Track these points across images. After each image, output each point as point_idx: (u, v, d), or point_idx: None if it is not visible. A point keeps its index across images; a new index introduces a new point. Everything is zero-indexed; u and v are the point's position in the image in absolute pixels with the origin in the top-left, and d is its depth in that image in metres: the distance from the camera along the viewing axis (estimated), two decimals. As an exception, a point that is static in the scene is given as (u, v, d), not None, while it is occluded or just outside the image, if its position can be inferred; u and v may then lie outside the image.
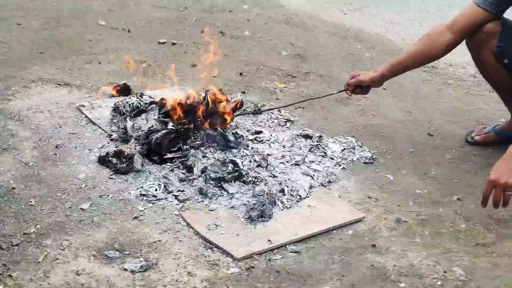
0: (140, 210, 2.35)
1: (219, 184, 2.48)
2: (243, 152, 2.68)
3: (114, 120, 2.90)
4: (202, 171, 2.52)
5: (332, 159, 2.81)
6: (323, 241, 2.28)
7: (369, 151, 2.94)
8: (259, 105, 3.26)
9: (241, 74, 3.80)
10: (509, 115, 3.12)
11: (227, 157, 2.60)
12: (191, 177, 2.51)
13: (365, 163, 2.86)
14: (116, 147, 2.71)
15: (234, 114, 2.90)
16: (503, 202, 2.20)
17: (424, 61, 3.00)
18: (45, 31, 4.09)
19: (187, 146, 2.66)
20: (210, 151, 2.65)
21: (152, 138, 2.61)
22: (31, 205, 2.31)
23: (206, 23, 4.65)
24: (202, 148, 2.66)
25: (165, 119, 2.76)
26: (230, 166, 2.54)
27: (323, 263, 2.14)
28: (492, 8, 2.84)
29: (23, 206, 2.30)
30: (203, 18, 4.78)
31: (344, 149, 2.91)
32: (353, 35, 4.85)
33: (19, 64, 3.51)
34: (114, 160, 2.59)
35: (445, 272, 2.14)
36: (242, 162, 2.59)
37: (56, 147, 2.71)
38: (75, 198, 2.39)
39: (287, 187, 2.50)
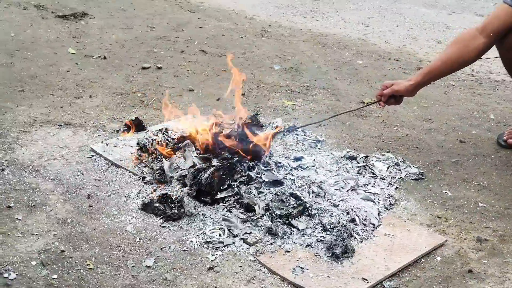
0: (212, 260, 2.12)
1: (287, 222, 2.27)
2: (297, 182, 2.47)
3: (144, 161, 2.62)
4: (266, 209, 2.29)
5: (383, 179, 2.65)
6: (416, 272, 2.12)
7: (415, 167, 2.78)
8: (283, 125, 3.05)
9: (243, 94, 3.58)
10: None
11: (285, 191, 2.39)
12: (254, 217, 2.30)
13: (415, 179, 2.72)
14: (154, 191, 2.44)
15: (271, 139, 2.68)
16: None
17: (457, 67, 2.90)
18: (15, 65, 3.76)
19: (236, 183, 2.43)
20: (263, 186, 2.43)
21: (201, 178, 2.37)
22: (90, 268, 2.05)
23: (181, 41, 4.42)
24: (253, 184, 2.43)
25: (206, 155, 2.51)
26: (292, 200, 2.34)
27: (429, 298, 1.97)
28: None
29: (81, 271, 2.03)
30: (176, 37, 4.55)
31: (389, 166, 2.75)
32: (335, 42, 4.75)
33: (1, 105, 3.16)
34: (161, 206, 2.33)
35: (554, 291, 2.01)
36: (301, 194, 2.37)
37: (88, 197, 2.44)
38: (134, 254, 2.13)
39: (357, 216, 2.31)
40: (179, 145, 2.60)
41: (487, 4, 6.21)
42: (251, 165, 2.55)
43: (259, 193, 2.40)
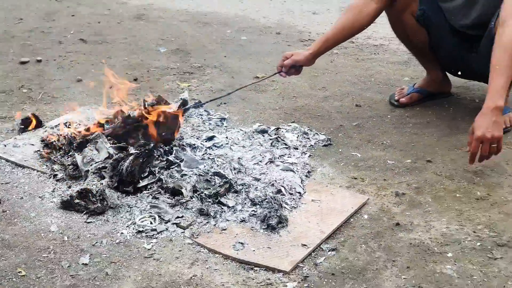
0: (148, 249, 2.08)
1: (216, 201, 2.27)
2: (217, 161, 2.48)
3: (53, 157, 2.51)
4: (194, 191, 2.28)
5: (296, 149, 2.71)
6: (348, 232, 2.21)
7: (321, 134, 2.88)
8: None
9: (135, 79, 3.52)
10: (412, 74, 3.27)
11: (208, 171, 2.39)
12: (183, 200, 2.27)
13: (325, 145, 2.81)
14: (69, 188, 2.35)
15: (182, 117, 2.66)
16: (487, 155, 2.37)
17: (352, 32, 3.02)
18: None
19: (157, 168, 2.40)
20: (183, 169, 2.41)
21: (122, 168, 2.31)
22: (23, 275, 1.94)
23: (55, 32, 4.24)
24: (173, 168, 2.41)
25: (120, 145, 2.45)
26: (217, 179, 2.35)
27: (366, 253, 2.07)
28: None
29: (14, 279, 1.93)
30: (49, 27, 4.36)
31: (298, 136, 2.82)
32: (215, 20, 4.78)
33: None
34: (82, 202, 2.25)
35: (474, 232, 2.17)
36: (224, 172, 2.39)
37: (3, 212, 2.28)
38: (66, 254, 2.05)
39: (283, 187, 2.36)
40: (89, 137, 2.50)
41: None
42: (167, 149, 2.51)
43: (182, 176, 2.37)
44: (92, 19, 4.66)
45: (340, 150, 2.79)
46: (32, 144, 2.68)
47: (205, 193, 2.28)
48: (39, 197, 2.35)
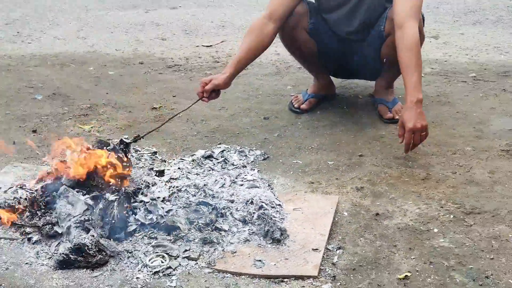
0: (174, 286, 2.11)
1: (214, 227, 2.35)
2: (189, 191, 2.54)
3: (18, 221, 2.39)
4: (191, 223, 2.34)
5: (245, 166, 2.86)
6: (340, 230, 2.40)
7: (256, 150, 3.04)
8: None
9: (34, 131, 3.38)
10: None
11: (191, 201, 2.45)
12: (182, 234, 2.32)
13: (264, 159, 2.98)
14: (56, 246, 2.28)
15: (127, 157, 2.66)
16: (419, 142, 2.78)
17: (258, 52, 3.22)
18: None
19: (136, 210, 2.41)
20: (164, 205, 2.45)
21: (112, 217, 2.29)
22: None
23: None
24: (155, 203, 2.44)
25: (94, 194, 2.41)
26: (202, 208, 2.42)
27: (368, 245, 2.29)
28: None
29: None
30: None
31: (236, 155, 2.97)
32: (69, 60, 4.71)
33: None
34: (80, 258, 2.20)
35: (442, 207, 2.51)
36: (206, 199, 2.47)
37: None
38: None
39: (263, 202, 2.50)
40: (57, 192, 2.41)
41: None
42: (133, 190, 2.51)
43: (168, 211, 2.40)
44: None
45: (281, 160, 2.97)
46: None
47: (201, 223, 2.33)
48: (26, 263, 2.23)
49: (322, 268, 2.17)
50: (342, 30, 3.38)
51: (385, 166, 2.87)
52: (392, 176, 2.77)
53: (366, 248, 2.27)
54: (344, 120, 3.40)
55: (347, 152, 3.02)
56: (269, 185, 2.71)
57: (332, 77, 3.70)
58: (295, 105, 3.57)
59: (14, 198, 2.47)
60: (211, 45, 4.98)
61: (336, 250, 2.27)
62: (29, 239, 2.34)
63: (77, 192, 2.43)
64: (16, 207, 2.42)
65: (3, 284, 2.12)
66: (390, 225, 2.41)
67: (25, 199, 2.44)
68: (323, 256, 2.23)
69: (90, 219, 2.32)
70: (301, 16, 3.30)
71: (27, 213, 2.42)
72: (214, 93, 3.12)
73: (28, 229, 2.37)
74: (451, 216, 2.43)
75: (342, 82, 3.90)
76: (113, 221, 2.29)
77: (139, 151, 3.06)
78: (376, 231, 2.37)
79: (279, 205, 2.52)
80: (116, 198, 2.35)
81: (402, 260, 2.19)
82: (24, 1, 6.46)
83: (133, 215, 2.37)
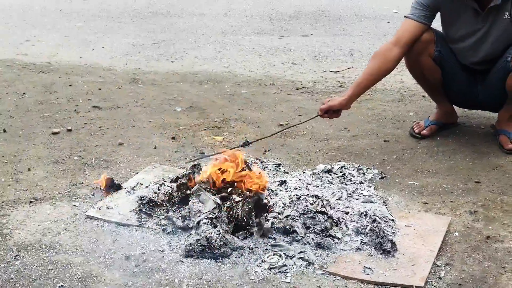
0: (288, 282, 2.30)
1: (328, 234, 2.52)
2: (308, 200, 2.73)
3: (155, 214, 2.69)
4: (307, 228, 2.53)
5: (362, 183, 3.01)
6: (450, 248, 2.50)
7: (374, 169, 3.19)
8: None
9: (173, 138, 3.72)
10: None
11: (309, 209, 2.64)
12: (298, 237, 2.51)
13: (381, 178, 3.12)
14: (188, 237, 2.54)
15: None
16: None
17: (379, 77, 3.38)
18: None
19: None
20: (283, 210, 2.66)
21: (238, 214, 2.53)
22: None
23: (64, 102, 4.40)
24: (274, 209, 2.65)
25: (223, 195, 2.67)
26: (319, 216, 2.60)
27: (476, 264, 2.39)
28: (427, 20, 3.35)
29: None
30: (56, 98, 4.50)
31: (355, 172, 3.13)
32: (207, 77, 5.05)
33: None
34: (206, 249, 2.45)
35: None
36: (323, 208, 2.65)
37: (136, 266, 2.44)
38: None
39: (377, 216, 2.64)
40: (190, 191, 2.70)
41: (301, 26, 6.92)
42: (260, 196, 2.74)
43: (287, 216, 2.61)
44: (90, 87, 4.79)
45: (397, 180, 3.11)
46: (125, 204, 2.81)
47: (316, 229, 2.52)
48: (160, 250, 2.51)
49: (429, 280, 2.29)
50: (467, 60, 3.48)
51: (501, 193, 2.93)
52: (507, 203, 2.84)
53: (474, 267, 2.36)
54: (464, 148, 3.48)
55: (464, 178, 3.10)
56: (383, 202, 2.86)
57: (454, 106, 3.78)
58: (416, 131, 3.69)
59: (154, 193, 2.78)
60: (338, 71, 5.18)
61: (444, 266, 2.38)
62: (163, 230, 2.63)
63: (208, 191, 2.70)
64: (155, 200, 2.72)
65: (140, 265, 2.42)
66: (500, 248, 2.48)
67: (164, 194, 2.74)
68: (430, 270, 2.34)
69: (217, 216, 2.57)
70: (428, 43, 3.43)
71: (164, 207, 2.71)
72: (334, 113, 3.31)
73: (163, 221, 2.66)
74: None
75: (464, 112, 3.97)
76: (238, 219, 2.53)
77: (264, 161, 3.30)
78: (485, 252, 2.46)
79: (392, 220, 2.66)
80: (242, 199, 2.60)
81: (509, 281, 2.27)
82: (171, 25, 6.99)
83: (255, 217, 2.59)
